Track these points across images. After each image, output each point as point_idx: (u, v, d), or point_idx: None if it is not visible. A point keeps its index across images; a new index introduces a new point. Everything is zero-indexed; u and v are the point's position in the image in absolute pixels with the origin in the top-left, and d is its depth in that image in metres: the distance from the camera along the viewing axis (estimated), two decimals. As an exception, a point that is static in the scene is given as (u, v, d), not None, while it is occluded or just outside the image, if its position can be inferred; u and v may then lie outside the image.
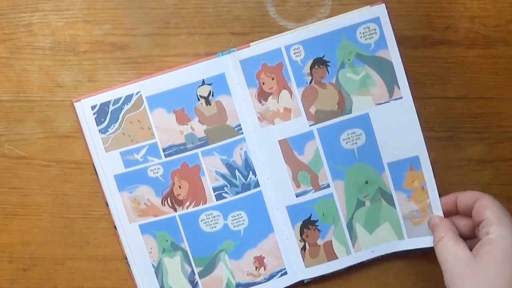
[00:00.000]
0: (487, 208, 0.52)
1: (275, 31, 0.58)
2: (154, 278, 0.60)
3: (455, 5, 0.58)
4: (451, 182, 0.60)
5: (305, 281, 0.60)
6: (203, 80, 0.59)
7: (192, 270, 0.61)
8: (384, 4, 0.57)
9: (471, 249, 0.52)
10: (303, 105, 0.59)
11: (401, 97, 0.58)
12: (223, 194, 0.60)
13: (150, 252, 0.60)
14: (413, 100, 0.58)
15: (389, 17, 0.57)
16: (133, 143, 0.59)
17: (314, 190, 0.60)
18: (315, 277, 0.60)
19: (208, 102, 0.59)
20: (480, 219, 0.53)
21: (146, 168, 0.60)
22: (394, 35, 0.57)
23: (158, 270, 0.61)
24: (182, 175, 0.60)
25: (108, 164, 0.59)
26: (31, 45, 0.59)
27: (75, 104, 0.59)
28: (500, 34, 0.59)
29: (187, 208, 0.60)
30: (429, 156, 0.58)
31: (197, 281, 0.61)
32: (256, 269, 0.60)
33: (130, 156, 0.59)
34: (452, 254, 0.52)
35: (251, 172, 0.60)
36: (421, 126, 0.58)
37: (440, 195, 0.58)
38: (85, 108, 0.59)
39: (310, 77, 0.59)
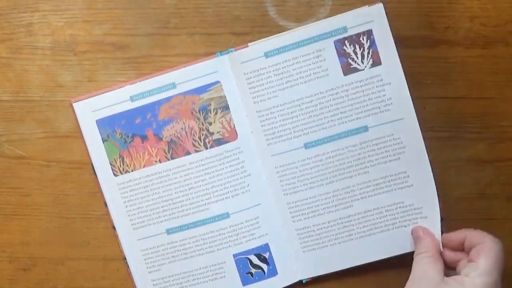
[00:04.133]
0: (485, 254, 0.51)
1: (275, 31, 0.58)
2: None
3: (455, 5, 0.58)
4: (451, 182, 0.60)
5: (303, 281, 0.60)
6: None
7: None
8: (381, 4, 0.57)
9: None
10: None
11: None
12: None
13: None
14: (413, 100, 0.58)
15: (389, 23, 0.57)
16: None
17: None
18: (313, 277, 0.60)
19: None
20: (471, 258, 0.52)
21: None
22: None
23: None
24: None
25: (107, 165, 0.59)
26: (31, 45, 0.59)
27: (74, 104, 0.59)
28: (500, 34, 0.58)
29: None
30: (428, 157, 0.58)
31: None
32: None
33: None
34: (424, 270, 0.52)
35: None
36: (421, 126, 0.58)
37: (439, 197, 0.58)
38: (84, 109, 0.59)
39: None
